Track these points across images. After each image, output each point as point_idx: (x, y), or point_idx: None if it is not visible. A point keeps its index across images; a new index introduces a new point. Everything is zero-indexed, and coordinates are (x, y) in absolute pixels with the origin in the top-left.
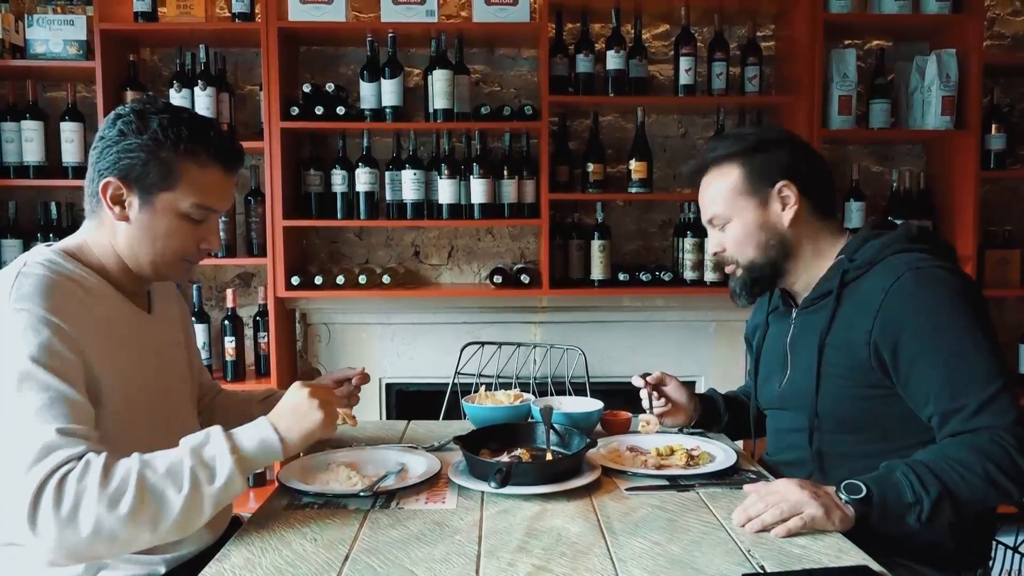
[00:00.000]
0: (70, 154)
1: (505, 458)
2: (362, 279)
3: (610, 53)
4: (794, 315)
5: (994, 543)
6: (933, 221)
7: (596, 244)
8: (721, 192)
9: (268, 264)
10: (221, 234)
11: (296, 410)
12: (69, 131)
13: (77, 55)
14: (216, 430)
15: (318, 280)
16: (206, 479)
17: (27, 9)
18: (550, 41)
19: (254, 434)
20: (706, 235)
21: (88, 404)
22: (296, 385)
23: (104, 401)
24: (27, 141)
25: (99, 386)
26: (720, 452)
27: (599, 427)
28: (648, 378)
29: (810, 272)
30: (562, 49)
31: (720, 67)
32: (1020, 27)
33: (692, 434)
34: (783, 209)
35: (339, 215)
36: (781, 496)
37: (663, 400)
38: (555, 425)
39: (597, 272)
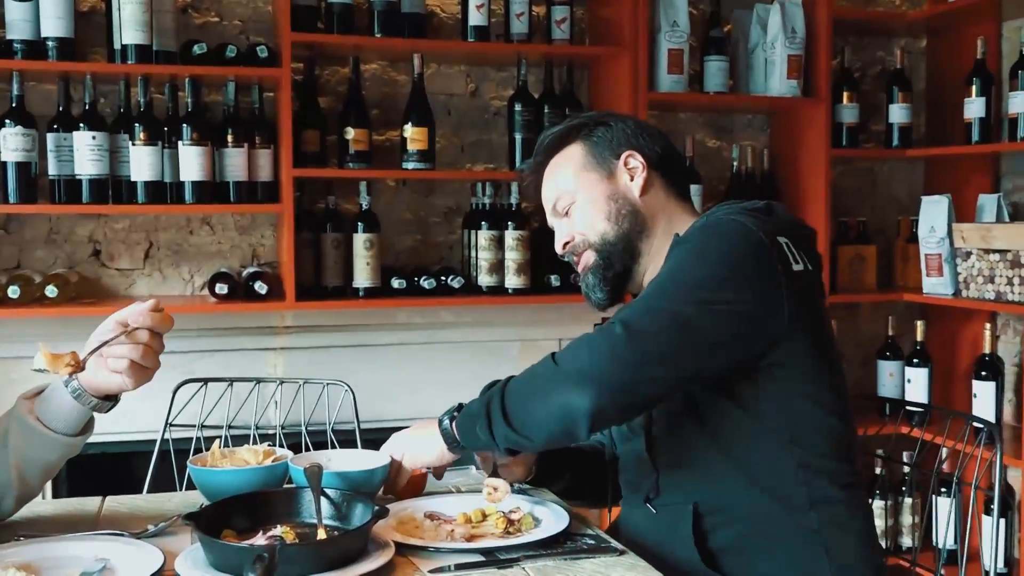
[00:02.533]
0: None
1: (261, 540)
2: (13, 292)
3: None
4: None
5: None
6: None
7: (360, 239)
8: (565, 173)
9: None
10: None
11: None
12: None
13: None
14: None
15: None
16: None
17: None
18: None
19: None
20: (507, 227)
21: None
22: None
23: None
24: None
25: None
26: (545, 513)
27: (382, 490)
28: None
29: (659, 261)
30: None
31: (521, 6)
32: None
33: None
34: (631, 179)
35: None
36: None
37: None
38: (327, 491)
39: (362, 278)
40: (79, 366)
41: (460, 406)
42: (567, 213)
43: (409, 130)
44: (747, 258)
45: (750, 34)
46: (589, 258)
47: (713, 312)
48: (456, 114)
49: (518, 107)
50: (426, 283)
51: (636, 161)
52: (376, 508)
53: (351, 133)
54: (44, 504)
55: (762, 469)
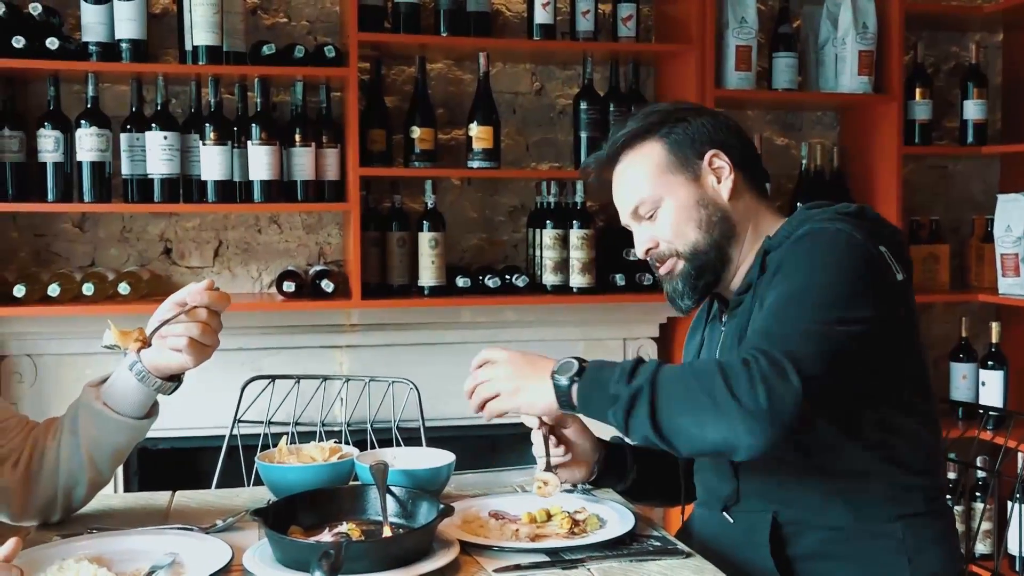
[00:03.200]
0: None
1: (327, 537)
2: (87, 289)
3: None
4: (724, 323)
5: None
6: None
7: (425, 238)
8: (644, 173)
9: None
10: None
11: None
12: None
13: None
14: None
15: (18, 291)
16: None
17: None
18: None
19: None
20: (572, 225)
21: None
22: None
23: None
24: None
25: None
26: (611, 514)
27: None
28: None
29: (748, 264)
30: None
31: (587, 4)
32: None
33: (570, 491)
34: (719, 182)
35: (51, 196)
36: (491, 373)
37: (563, 448)
38: (392, 488)
39: (427, 276)
40: (146, 342)
41: (578, 367)
42: (650, 217)
43: (474, 129)
44: (863, 272)
45: (820, 30)
46: (677, 265)
47: (851, 334)
48: (521, 113)
49: (583, 105)
50: (491, 282)
51: (721, 161)
52: (441, 507)
53: (417, 132)
54: (115, 498)
55: (851, 483)
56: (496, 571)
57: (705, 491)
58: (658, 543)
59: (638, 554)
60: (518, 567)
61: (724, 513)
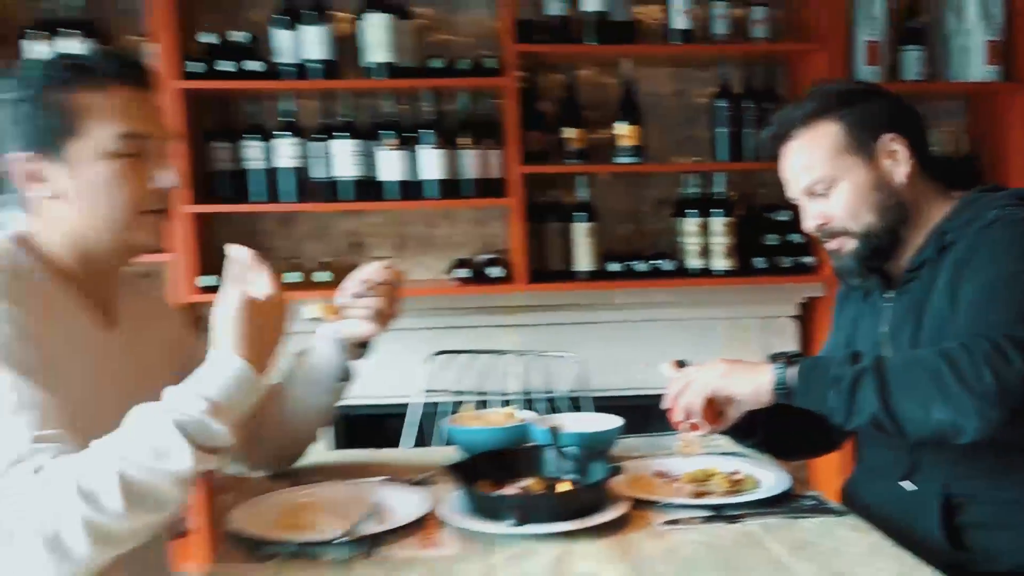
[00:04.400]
0: None
1: (512, 490)
2: (291, 278)
3: None
4: (887, 298)
5: None
6: None
7: (580, 228)
8: (822, 153)
9: (171, 261)
10: None
11: (251, 326)
12: None
13: None
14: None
15: None
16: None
17: None
18: None
19: (212, 370)
20: (713, 214)
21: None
22: (228, 296)
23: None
24: None
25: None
26: (767, 475)
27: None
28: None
29: (918, 242)
30: None
31: (721, 8)
32: None
33: (725, 454)
34: (894, 165)
35: (256, 198)
36: (694, 376)
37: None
38: (566, 448)
39: (583, 262)
40: (340, 313)
41: (790, 358)
42: (823, 194)
43: (620, 128)
44: None
45: (946, 21)
46: (849, 244)
47: None
48: (663, 112)
49: (720, 104)
50: (640, 266)
51: (897, 144)
52: (612, 466)
53: (569, 133)
54: (328, 455)
55: None
56: (662, 524)
57: (874, 460)
58: (813, 502)
59: (794, 512)
60: (681, 521)
61: (901, 483)
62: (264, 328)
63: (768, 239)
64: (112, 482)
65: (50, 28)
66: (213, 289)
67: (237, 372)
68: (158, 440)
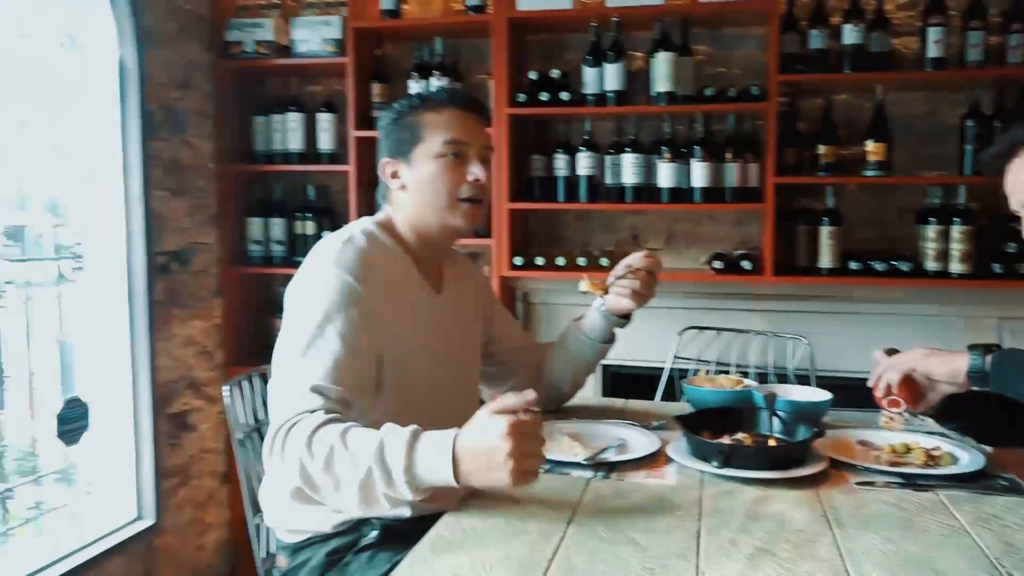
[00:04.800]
0: (325, 142)
1: (726, 440)
2: (581, 261)
3: (847, 27)
4: None
5: None
6: None
7: (825, 230)
8: None
9: (493, 244)
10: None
11: (488, 458)
12: (324, 121)
13: (332, 52)
14: (403, 438)
15: (539, 261)
16: (381, 479)
17: (292, 13)
18: (781, 17)
19: (434, 465)
20: (954, 222)
21: (361, 371)
22: (495, 419)
23: (386, 376)
24: (291, 131)
25: (383, 362)
26: (964, 454)
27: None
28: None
29: None
30: (793, 25)
31: (976, 37)
32: None
33: (929, 433)
34: None
35: (560, 198)
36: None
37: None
38: (779, 412)
39: (825, 260)
40: (606, 290)
41: (988, 348)
42: None
43: (870, 145)
44: None
45: None
46: None
47: None
48: (913, 131)
49: (970, 123)
50: (879, 265)
51: None
52: (815, 430)
53: (822, 149)
54: (591, 399)
55: None
56: (858, 483)
57: None
58: (1006, 483)
59: (986, 489)
60: (874, 484)
61: None
62: (492, 471)
63: (1008, 247)
64: (324, 450)
65: (423, 70)
66: (523, 267)
67: (445, 480)
68: (364, 454)
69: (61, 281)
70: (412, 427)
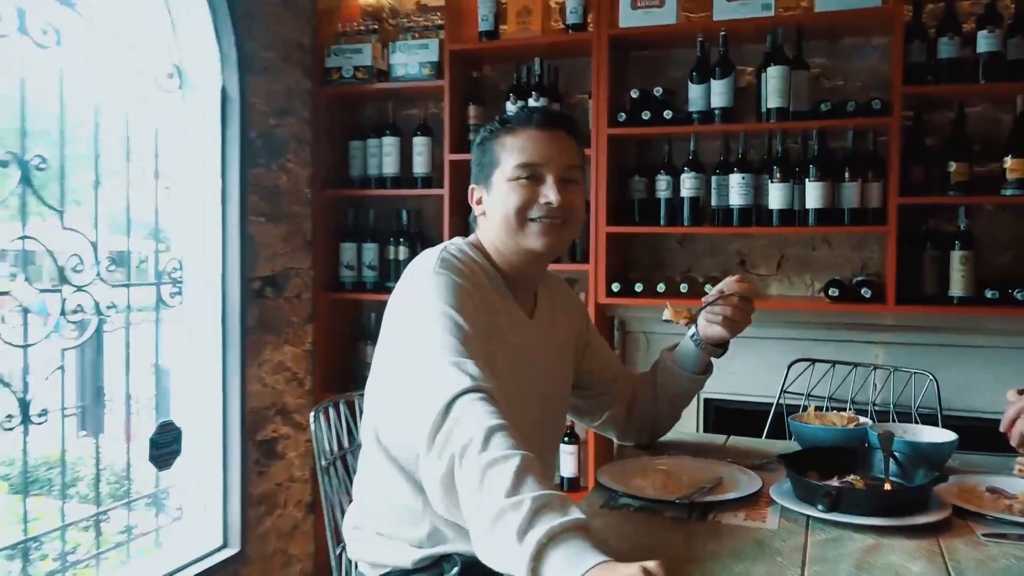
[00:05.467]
0: (420, 166)
1: (835, 483)
2: (683, 288)
3: (981, 34)
4: None
5: None
6: None
7: (956, 255)
8: None
9: (590, 270)
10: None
11: None
12: (420, 145)
13: (429, 75)
14: (545, 525)
15: (638, 288)
16: (510, 535)
17: (391, 38)
18: (906, 25)
19: (561, 569)
20: None
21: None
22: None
23: None
24: (386, 155)
25: None
26: None
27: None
28: None
29: None
30: (920, 33)
31: None
32: None
33: None
34: None
35: (662, 222)
36: None
37: None
38: (895, 453)
39: (956, 288)
40: (692, 318)
41: None
42: None
43: (1009, 161)
44: None
45: None
46: None
47: None
48: None
49: None
50: (1019, 294)
51: None
52: (936, 473)
53: (953, 166)
54: (687, 435)
55: None
56: (985, 535)
57: None
58: None
59: None
60: (1006, 537)
61: None
62: None
63: None
64: (493, 465)
65: (521, 91)
66: (621, 293)
67: None
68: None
69: (160, 306)
70: (575, 516)
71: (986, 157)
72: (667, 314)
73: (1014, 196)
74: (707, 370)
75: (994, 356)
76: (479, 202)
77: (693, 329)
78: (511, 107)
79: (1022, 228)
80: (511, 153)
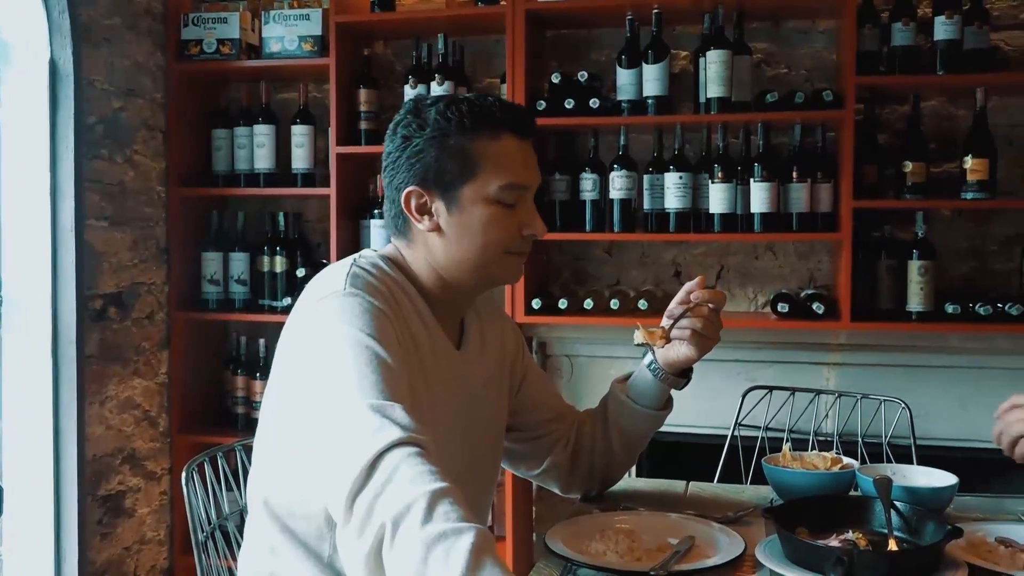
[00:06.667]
0: (300, 160)
1: (834, 542)
2: (614, 304)
3: (939, 19)
4: None
5: None
6: None
7: (914, 265)
8: None
9: (507, 285)
10: None
11: None
12: (300, 135)
13: (311, 51)
14: None
15: (562, 304)
16: None
17: (264, 5)
18: (857, 8)
19: None
20: None
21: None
22: None
23: None
24: (258, 147)
25: None
26: None
27: None
28: None
29: None
30: (872, 17)
31: None
32: None
33: None
34: None
35: (588, 227)
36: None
37: None
38: (896, 503)
39: (915, 302)
40: (667, 337)
41: None
42: None
43: (969, 161)
44: None
45: None
46: None
47: None
48: (1019, 144)
49: None
50: (981, 309)
51: None
52: (949, 527)
53: (909, 166)
54: (639, 481)
55: None
56: None
57: None
58: None
59: None
60: None
61: None
62: None
63: None
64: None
65: (421, 73)
66: (542, 311)
67: None
68: None
69: None
70: None
71: (944, 157)
72: (639, 337)
73: (976, 200)
74: (667, 405)
75: (959, 376)
76: (428, 213)
77: (649, 356)
78: (410, 92)
79: (980, 235)
80: (495, 166)
